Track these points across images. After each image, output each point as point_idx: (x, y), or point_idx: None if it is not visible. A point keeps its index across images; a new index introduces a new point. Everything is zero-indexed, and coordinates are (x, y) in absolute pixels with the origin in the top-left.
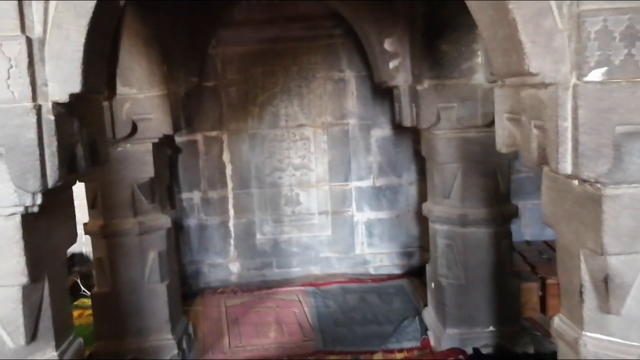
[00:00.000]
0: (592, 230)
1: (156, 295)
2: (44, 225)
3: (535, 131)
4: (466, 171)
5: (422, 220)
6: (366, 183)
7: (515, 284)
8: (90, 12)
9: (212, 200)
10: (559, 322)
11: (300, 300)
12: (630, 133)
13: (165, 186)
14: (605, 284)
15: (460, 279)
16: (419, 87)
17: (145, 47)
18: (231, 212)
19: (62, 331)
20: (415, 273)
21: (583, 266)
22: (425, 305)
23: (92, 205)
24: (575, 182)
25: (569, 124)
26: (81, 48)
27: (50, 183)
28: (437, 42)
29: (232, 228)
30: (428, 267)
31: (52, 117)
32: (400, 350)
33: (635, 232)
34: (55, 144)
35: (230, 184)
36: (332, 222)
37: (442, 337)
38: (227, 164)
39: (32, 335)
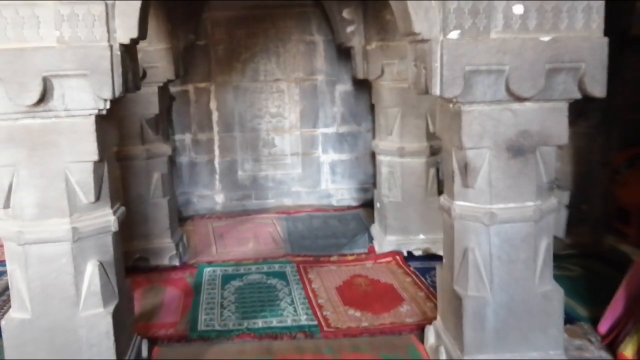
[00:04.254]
0: (457, 134)
1: (159, 207)
2: (104, 125)
3: (423, 71)
4: (404, 114)
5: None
6: (331, 130)
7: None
8: None
9: (201, 142)
10: (442, 199)
11: (274, 223)
12: (474, 70)
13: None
14: (465, 169)
15: (398, 197)
16: (368, 48)
17: (154, 9)
18: (217, 152)
19: (114, 198)
20: (369, 205)
21: (453, 158)
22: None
23: None
24: (451, 105)
25: (438, 64)
26: (138, 8)
27: (117, 94)
28: (383, 12)
29: (217, 165)
30: (375, 192)
31: (119, 53)
32: (352, 255)
33: (482, 134)
34: (120, 69)
35: (216, 128)
36: (302, 162)
37: (383, 243)
38: (214, 111)
39: (97, 196)
